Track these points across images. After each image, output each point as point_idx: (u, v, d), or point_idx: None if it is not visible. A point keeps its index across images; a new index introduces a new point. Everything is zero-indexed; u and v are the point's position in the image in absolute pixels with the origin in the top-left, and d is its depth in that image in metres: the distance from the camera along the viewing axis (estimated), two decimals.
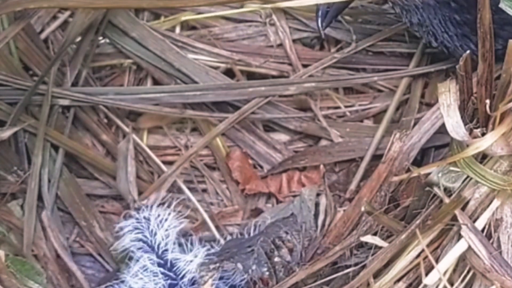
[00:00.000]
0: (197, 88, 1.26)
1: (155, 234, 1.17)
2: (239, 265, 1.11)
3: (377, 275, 1.03)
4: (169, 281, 1.14)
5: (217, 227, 1.26)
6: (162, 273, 1.14)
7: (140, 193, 1.26)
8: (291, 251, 1.13)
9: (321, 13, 1.19)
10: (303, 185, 1.27)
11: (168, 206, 1.19)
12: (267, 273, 1.11)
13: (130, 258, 1.18)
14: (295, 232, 1.14)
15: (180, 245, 1.17)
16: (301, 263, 1.13)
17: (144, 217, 1.18)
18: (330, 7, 1.19)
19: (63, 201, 1.26)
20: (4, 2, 1.17)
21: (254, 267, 1.11)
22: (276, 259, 1.12)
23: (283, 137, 1.30)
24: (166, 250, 1.16)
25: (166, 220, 1.17)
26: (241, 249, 1.13)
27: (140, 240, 1.17)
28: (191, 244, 1.17)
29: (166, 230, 1.17)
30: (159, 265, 1.15)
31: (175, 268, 1.15)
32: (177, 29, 1.32)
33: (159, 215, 1.18)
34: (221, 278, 1.12)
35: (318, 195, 1.24)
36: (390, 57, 1.29)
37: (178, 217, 1.18)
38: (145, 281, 1.14)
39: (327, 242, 1.15)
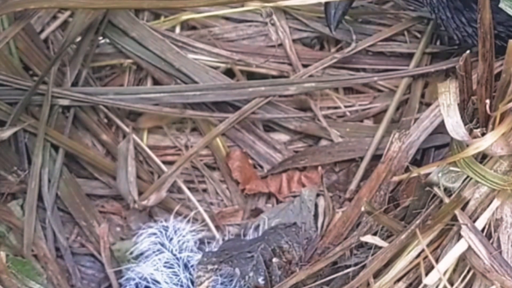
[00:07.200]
0: (197, 88, 1.26)
1: (172, 239, 1.18)
2: (237, 270, 1.11)
3: (377, 275, 1.03)
4: (186, 276, 1.16)
5: (217, 227, 1.26)
6: (180, 267, 1.16)
7: (140, 193, 1.26)
8: (289, 262, 1.13)
9: (330, 14, 1.20)
10: (303, 185, 1.27)
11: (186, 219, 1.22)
12: (263, 282, 1.11)
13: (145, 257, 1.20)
14: (296, 245, 1.14)
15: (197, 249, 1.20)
16: (300, 263, 1.13)
17: (163, 226, 1.20)
18: (336, 8, 1.20)
19: (63, 201, 1.26)
20: (4, 2, 1.17)
21: (251, 274, 1.11)
22: (274, 261, 1.12)
23: (283, 137, 1.30)
24: (182, 250, 1.18)
25: (183, 229, 1.20)
26: (240, 253, 1.13)
27: (158, 243, 1.18)
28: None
29: (183, 236, 1.19)
30: (177, 260, 1.17)
31: (191, 265, 1.17)
32: (177, 29, 1.32)
33: (175, 225, 1.20)
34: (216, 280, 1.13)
35: (318, 195, 1.24)
36: (390, 57, 1.29)
37: (195, 229, 1.21)
38: (164, 272, 1.16)
39: (326, 242, 1.15)
